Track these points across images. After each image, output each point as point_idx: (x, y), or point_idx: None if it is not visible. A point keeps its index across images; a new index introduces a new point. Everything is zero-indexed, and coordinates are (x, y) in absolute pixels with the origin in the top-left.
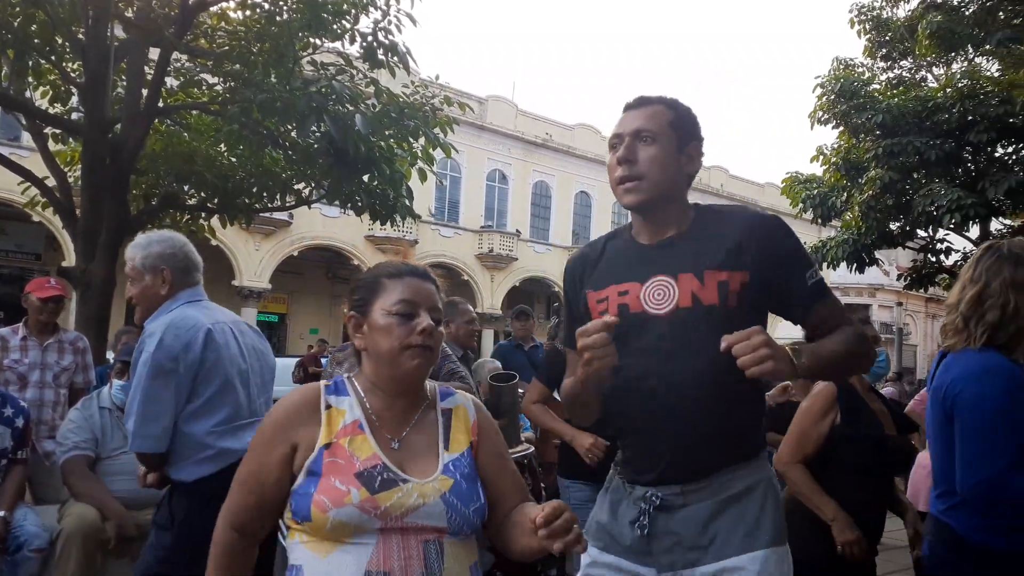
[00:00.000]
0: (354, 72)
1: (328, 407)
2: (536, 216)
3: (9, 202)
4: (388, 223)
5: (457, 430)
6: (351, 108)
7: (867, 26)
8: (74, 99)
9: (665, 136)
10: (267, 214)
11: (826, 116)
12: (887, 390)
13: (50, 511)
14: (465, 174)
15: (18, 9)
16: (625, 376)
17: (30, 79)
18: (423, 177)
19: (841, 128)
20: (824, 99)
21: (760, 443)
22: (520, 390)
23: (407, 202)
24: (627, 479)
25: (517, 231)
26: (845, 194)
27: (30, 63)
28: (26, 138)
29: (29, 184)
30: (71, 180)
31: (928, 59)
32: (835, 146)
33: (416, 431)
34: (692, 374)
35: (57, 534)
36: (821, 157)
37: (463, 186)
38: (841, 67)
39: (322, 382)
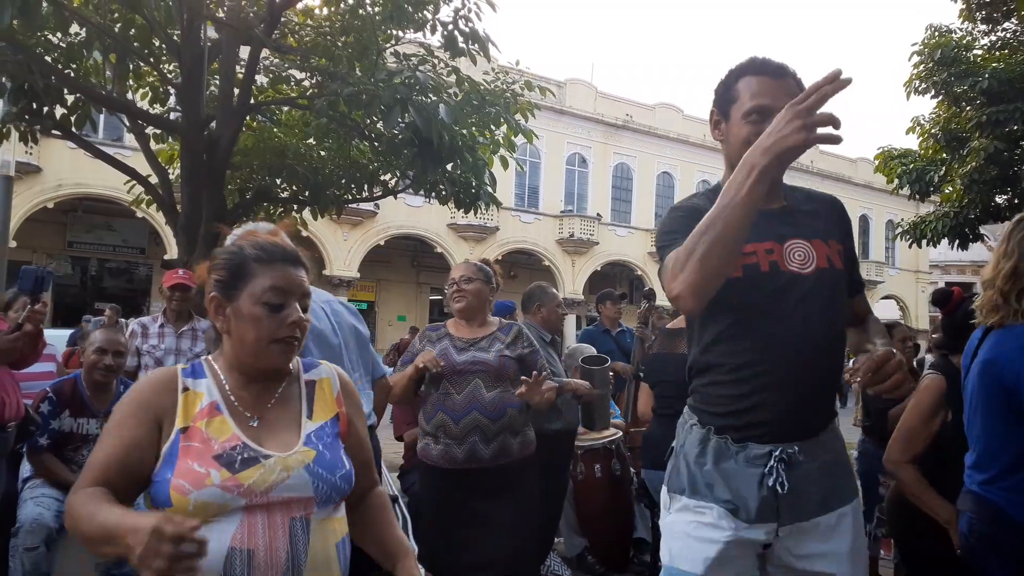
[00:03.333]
0: (436, 61)
1: (185, 390)
2: (617, 199)
3: (115, 199)
4: (471, 211)
5: (321, 400)
6: (434, 98)
7: None
8: (171, 99)
9: None
10: (355, 205)
11: (924, 85)
12: None
13: None
14: (544, 159)
15: (117, 15)
16: (770, 333)
17: (131, 81)
18: (505, 164)
19: (940, 97)
20: (921, 67)
21: None
22: (610, 373)
23: (489, 189)
24: (735, 438)
25: (598, 215)
26: (944, 167)
27: (131, 66)
28: (128, 138)
29: (133, 183)
30: (171, 177)
31: None
32: (933, 116)
33: (278, 406)
34: (826, 333)
35: None
36: (918, 128)
37: (543, 171)
38: (937, 34)
39: (179, 365)
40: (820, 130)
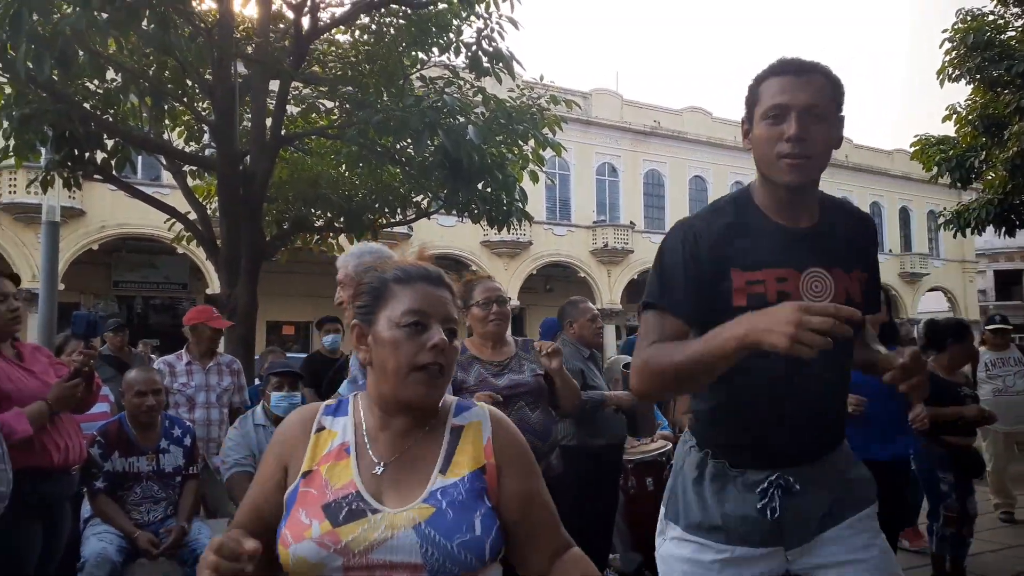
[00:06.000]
0: (462, 83)
1: (320, 429)
2: (650, 206)
3: (157, 238)
4: (504, 227)
5: (463, 452)
6: (462, 119)
7: None
8: (206, 136)
9: (830, 112)
10: (389, 228)
11: (957, 72)
12: None
13: (221, 524)
14: (574, 171)
15: (151, 58)
16: (772, 365)
17: (166, 122)
18: (535, 179)
19: (975, 83)
20: (954, 54)
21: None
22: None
23: (521, 205)
24: (733, 464)
25: (631, 223)
26: (984, 152)
27: (165, 107)
28: (166, 177)
29: (173, 220)
30: (209, 212)
31: None
32: (969, 103)
33: (413, 452)
34: (833, 368)
35: None
36: (954, 116)
37: (572, 183)
38: (969, 18)
39: (327, 401)
40: (802, 347)
